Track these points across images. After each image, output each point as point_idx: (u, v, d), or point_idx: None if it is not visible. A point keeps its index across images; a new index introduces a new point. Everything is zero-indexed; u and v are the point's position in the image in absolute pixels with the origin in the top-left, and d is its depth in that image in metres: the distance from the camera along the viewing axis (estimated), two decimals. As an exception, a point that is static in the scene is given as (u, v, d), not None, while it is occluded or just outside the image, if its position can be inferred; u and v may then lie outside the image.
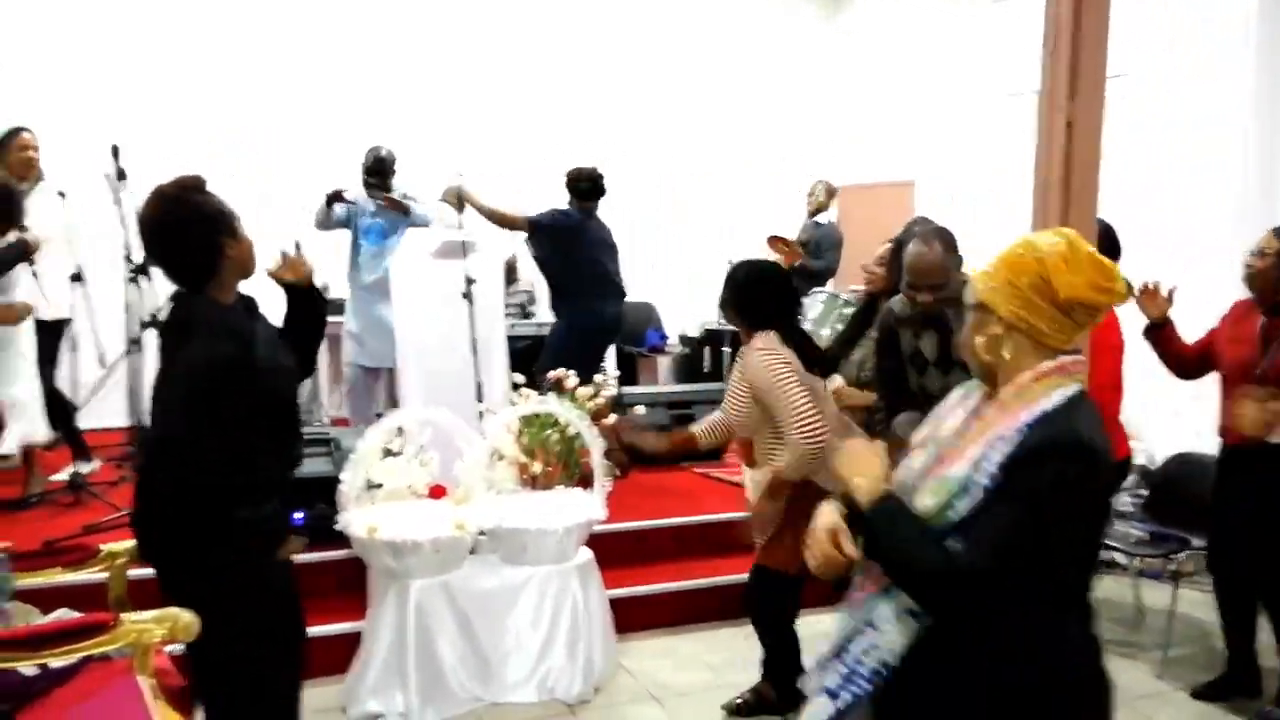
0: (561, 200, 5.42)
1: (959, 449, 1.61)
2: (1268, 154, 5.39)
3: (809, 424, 2.93)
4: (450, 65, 7.35)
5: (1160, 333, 3.61)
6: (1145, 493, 4.66)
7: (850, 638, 1.66)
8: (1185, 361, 3.64)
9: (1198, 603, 4.35)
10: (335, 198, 5.50)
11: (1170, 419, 4.78)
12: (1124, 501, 4.71)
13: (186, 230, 2.27)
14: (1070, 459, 1.52)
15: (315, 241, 5.19)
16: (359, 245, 5.51)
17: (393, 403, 5.56)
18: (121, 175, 4.45)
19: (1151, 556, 4.34)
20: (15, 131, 4.65)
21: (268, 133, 6.53)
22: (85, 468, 4.75)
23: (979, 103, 7.24)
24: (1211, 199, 5.37)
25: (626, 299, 5.73)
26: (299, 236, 2.76)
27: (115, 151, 4.43)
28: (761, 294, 3.19)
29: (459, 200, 5.06)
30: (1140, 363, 3.76)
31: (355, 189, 5.58)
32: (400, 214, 5.43)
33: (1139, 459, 4.84)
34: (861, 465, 1.66)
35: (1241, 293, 3.51)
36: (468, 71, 7.41)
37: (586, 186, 5.36)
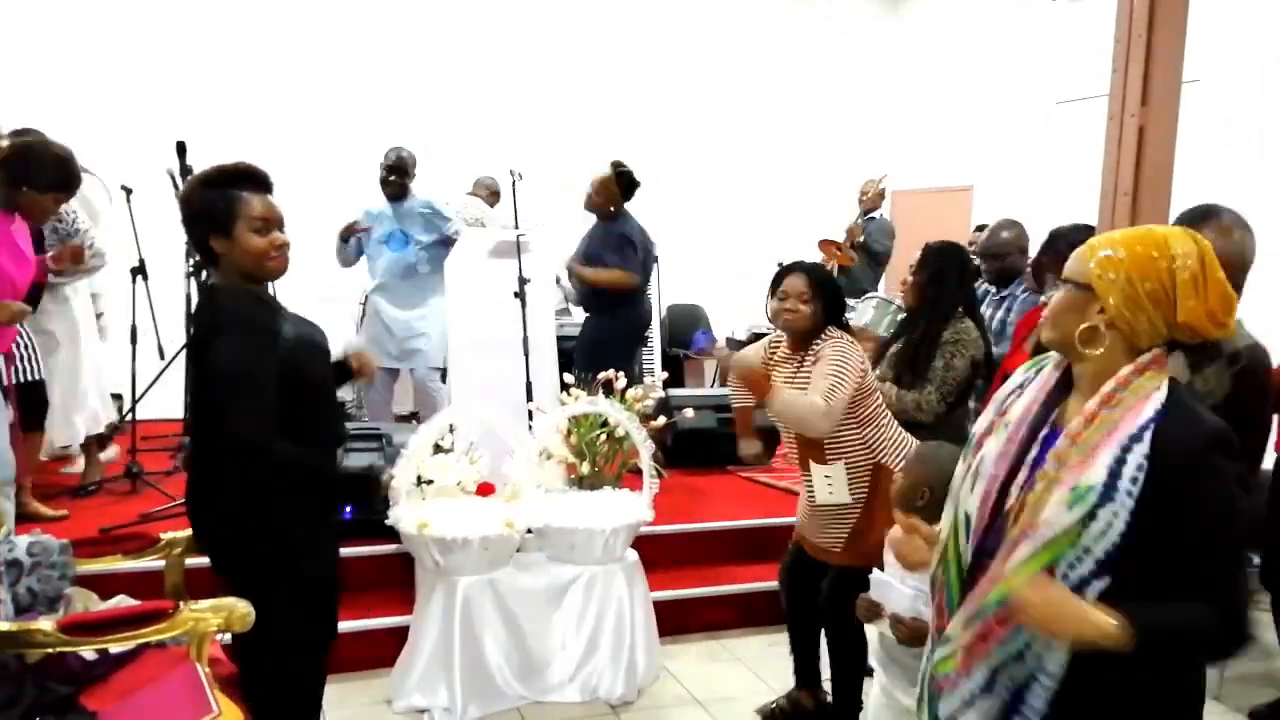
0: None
1: (1080, 453, 1.49)
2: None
3: (838, 402, 2.91)
4: (504, 69, 7.41)
5: None
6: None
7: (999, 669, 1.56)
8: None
9: (1255, 621, 4.23)
10: (347, 233, 5.41)
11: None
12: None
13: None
14: (1230, 450, 1.48)
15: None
16: (375, 249, 5.40)
17: (417, 403, 5.65)
18: (187, 171, 4.52)
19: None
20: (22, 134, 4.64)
21: (332, 132, 6.62)
22: (103, 455, 4.83)
23: (1041, 107, 7.12)
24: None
25: (675, 301, 5.74)
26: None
27: (181, 148, 4.50)
28: (840, 294, 3.19)
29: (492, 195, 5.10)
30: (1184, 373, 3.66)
31: (365, 201, 5.48)
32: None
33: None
34: (1073, 623, 1.44)
35: None
36: (516, 76, 7.47)
37: (631, 183, 5.39)
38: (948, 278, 3.53)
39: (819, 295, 3.06)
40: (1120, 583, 1.46)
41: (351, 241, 5.44)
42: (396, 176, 5.37)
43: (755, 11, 8.32)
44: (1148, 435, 1.46)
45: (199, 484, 2.41)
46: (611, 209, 5.33)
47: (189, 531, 2.58)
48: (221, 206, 2.31)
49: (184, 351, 4.62)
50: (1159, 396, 1.49)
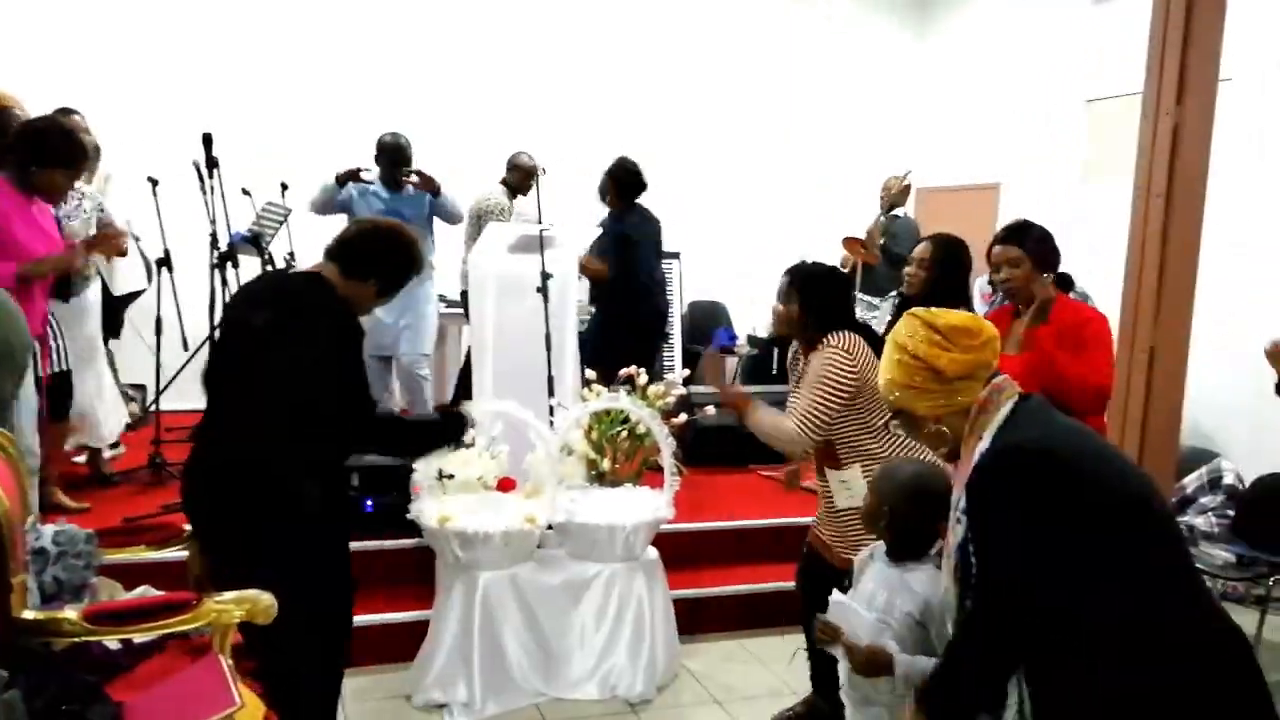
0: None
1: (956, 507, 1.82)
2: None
3: (816, 424, 2.90)
4: (529, 68, 7.40)
5: None
6: (1232, 513, 4.48)
7: None
8: None
9: (1285, 630, 4.18)
10: (350, 177, 5.30)
11: (1259, 434, 4.59)
12: (1210, 522, 4.54)
13: (400, 261, 2.70)
14: (1013, 467, 1.66)
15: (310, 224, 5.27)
16: None
17: (403, 391, 5.68)
18: (213, 163, 4.54)
19: (1238, 580, 4.18)
20: (65, 112, 4.57)
21: (356, 123, 6.63)
22: (109, 452, 4.81)
23: (1070, 105, 7.04)
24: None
25: (696, 298, 5.69)
26: None
27: (207, 140, 4.52)
28: (840, 295, 3.14)
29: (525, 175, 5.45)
30: (1218, 376, 3.60)
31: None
32: (431, 192, 5.33)
33: (1228, 478, 4.65)
34: None
35: None
36: (541, 74, 7.45)
37: (628, 183, 5.36)
38: (952, 270, 3.57)
39: (798, 295, 3.02)
40: None
41: (349, 187, 5.31)
42: (398, 168, 5.29)
43: (782, 8, 8.28)
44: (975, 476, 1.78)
45: (215, 477, 2.44)
46: (611, 205, 5.39)
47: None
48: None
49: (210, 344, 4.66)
50: (992, 427, 1.79)
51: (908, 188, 6.56)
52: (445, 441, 2.94)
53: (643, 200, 5.56)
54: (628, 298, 5.36)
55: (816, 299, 3.02)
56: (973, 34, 8.23)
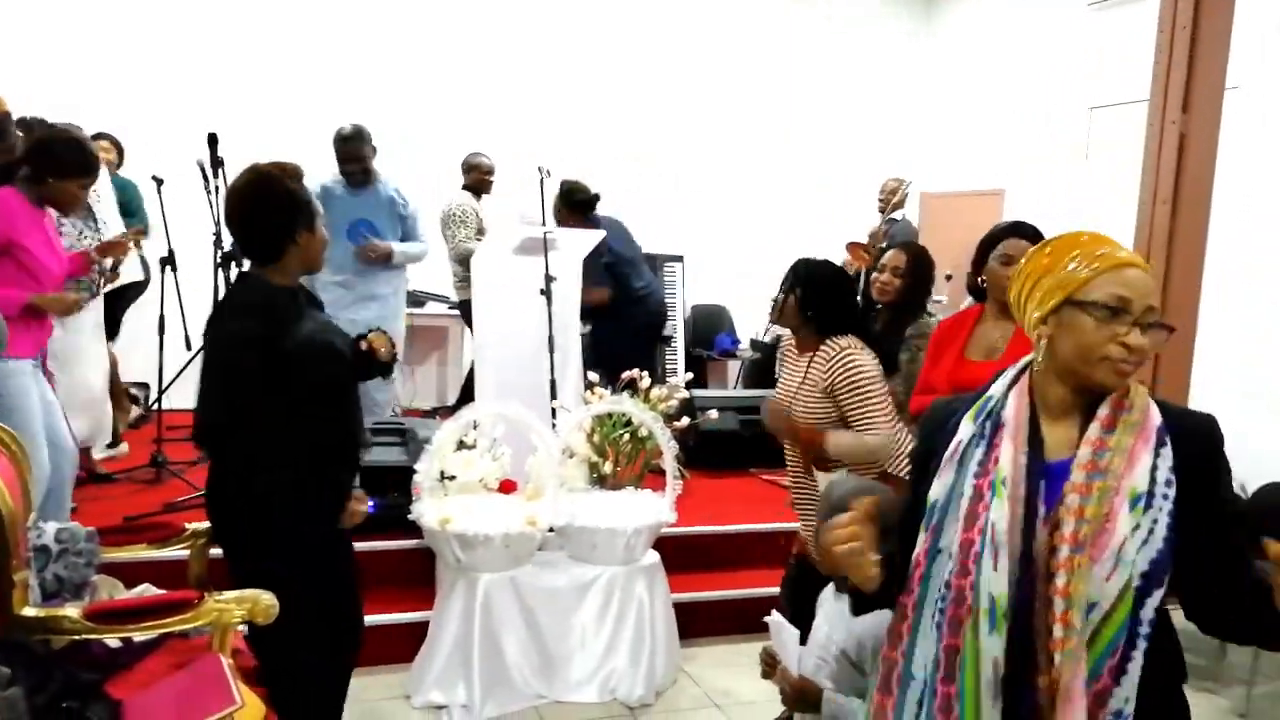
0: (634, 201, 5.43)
1: (1120, 457, 1.43)
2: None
3: (887, 422, 2.87)
4: (523, 67, 7.41)
5: None
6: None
7: None
8: None
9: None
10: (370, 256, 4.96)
11: (1262, 442, 4.58)
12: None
13: (269, 209, 2.38)
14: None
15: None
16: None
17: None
18: (218, 163, 4.54)
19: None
20: (96, 137, 4.64)
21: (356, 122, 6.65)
22: (102, 452, 4.79)
23: (1074, 112, 7.04)
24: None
25: (699, 302, 5.66)
26: None
27: (212, 140, 4.52)
28: (844, 296, 3.09)
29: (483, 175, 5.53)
30: (1222, 383, 3.59)
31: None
32: (383, 260, 4.94)
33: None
34: None
35: None
36: (544, 73, 7.46)
37: (583, 199, 5.35)
38: (924, 280, 3.56)
39: (799, 289, 2.97)
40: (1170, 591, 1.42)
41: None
42: (357, 164, 4.89)
43: (782, 9, 8.29)
44: (1168, 438, 1.44)
45: (223, 476, 2.43)
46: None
47: (211, 523, 2.60)
48: (310, 200, 2.44)
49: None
50: (1145, 394, 1.50)
51: (904, 198, 6.59)
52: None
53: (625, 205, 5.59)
54: (626, 309, 5.35)
55: (817, 298, 2.97)
56: (975, 38, 8.24)
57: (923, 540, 1.54)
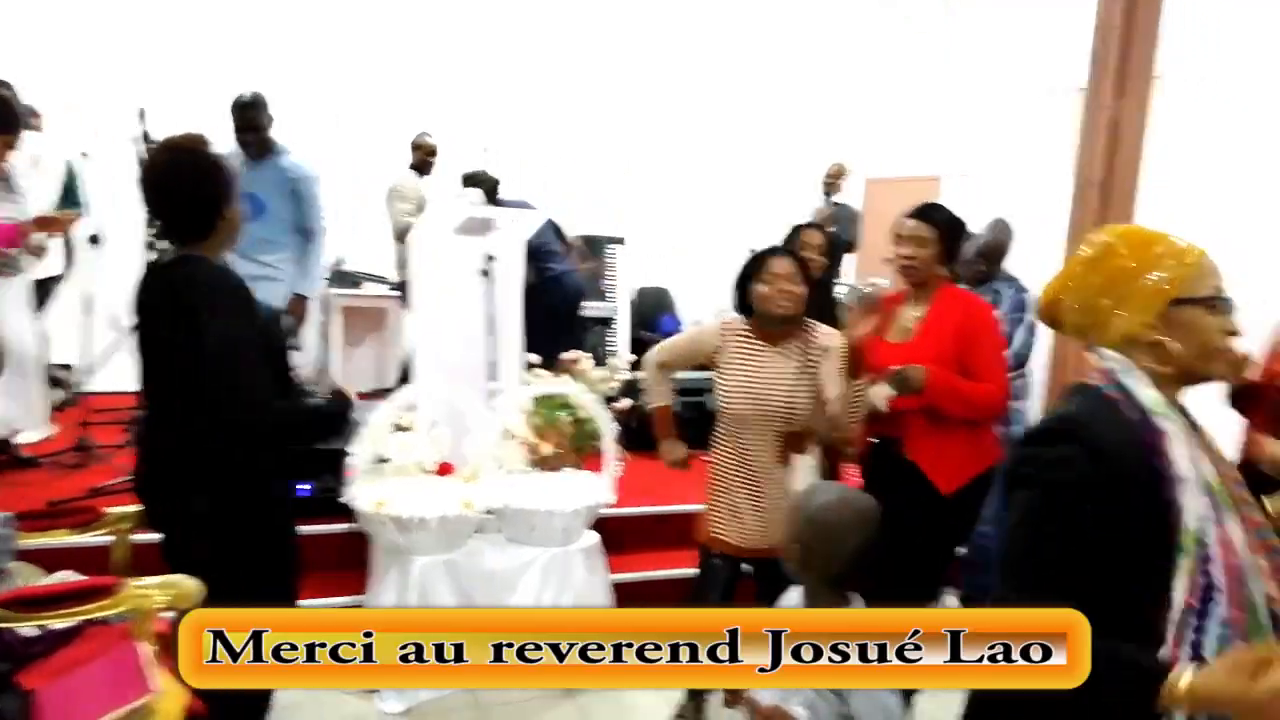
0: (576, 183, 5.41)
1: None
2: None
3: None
4: (466, 47, 7.30)
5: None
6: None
7: None
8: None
9: None
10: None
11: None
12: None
13: (194, 182, 2.27)
14: None
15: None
16: None
17: None
18: (147, 139, 4.39)
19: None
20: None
21: (293, 101, 6.48)
22: (35, 435, 4.56)
23: (1011, 99, 7.14)
24: (1262, 208, 5.25)
25: (642, 284, 5.67)
26: None
27: (141, 114, 4.38)
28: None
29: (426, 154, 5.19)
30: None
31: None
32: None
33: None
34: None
35: None
36: (488, 55, 7.36)
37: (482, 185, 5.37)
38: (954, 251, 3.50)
39: (807, 278, 2.92)
40: None
41: None
42: (255, 133, 4.50)
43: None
44: None
45: (157, 461, 2.35)
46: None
47: (137, 507, 2.52)
48: (233, 176, 2.33)
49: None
50: None
51: (845, 173, 6.69)
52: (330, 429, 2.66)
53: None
54: (538, 294, 5.29)
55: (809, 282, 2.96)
56: (918, 25, 8.30)
57: (1185, 581, 1.31)
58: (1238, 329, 1.40)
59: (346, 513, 3.49)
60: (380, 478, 3.57)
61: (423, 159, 5.89)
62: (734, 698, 1.87)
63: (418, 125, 6.24)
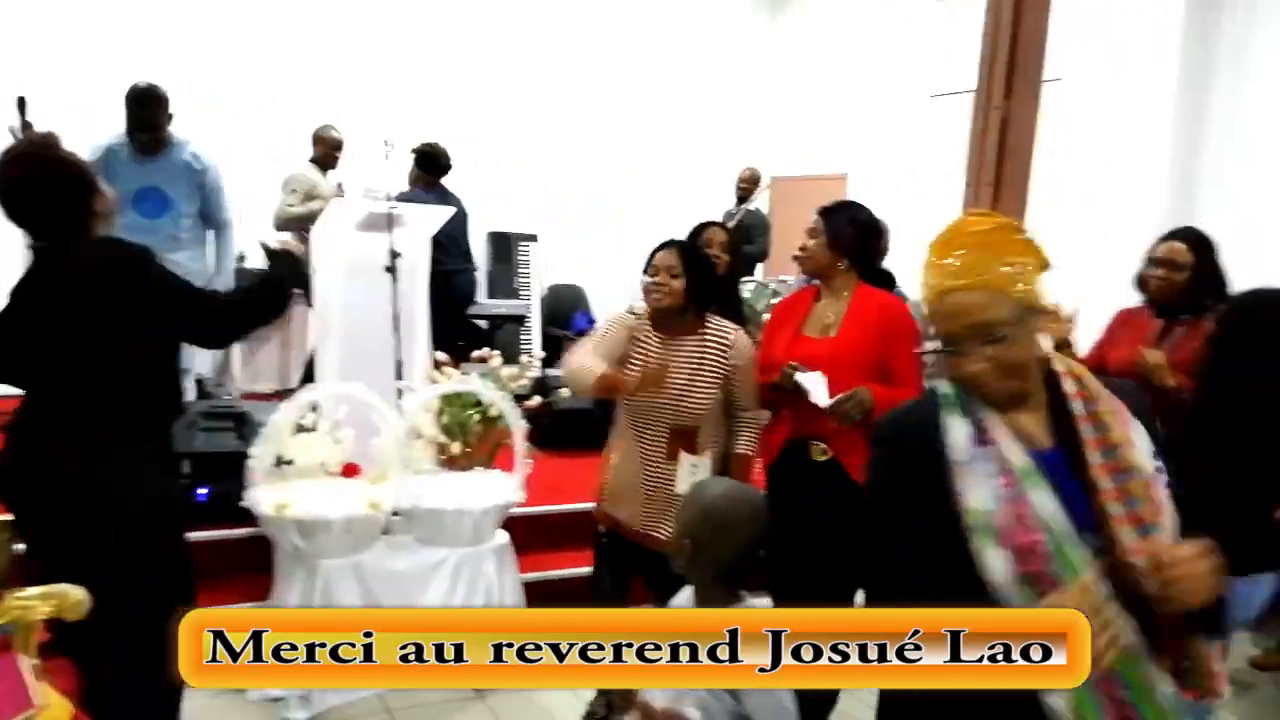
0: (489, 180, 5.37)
1: (1117, 453, 1.39)
2: (1188, 161, 5.56)
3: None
4: (376, 39, 7.19)
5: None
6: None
7: None
8: None
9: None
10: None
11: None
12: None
13: (61, 183, 2.24)
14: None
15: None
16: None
17: None
18: (27, 128, 4.19)
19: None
20: None
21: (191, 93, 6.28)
22: None
23: (912, 100, 7.33)
24: (1135, 205, 5.52)
25: (555, 282, 5.65)
26: None
27: (21, 104, 4.18)
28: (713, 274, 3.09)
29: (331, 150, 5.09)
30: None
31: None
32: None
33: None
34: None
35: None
36: (398, 49, 7.25)
37: (438, 163, 5.29)
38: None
39: (687, 270, 2.91)
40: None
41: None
42: (152, 132, 4.29)
43: (636, 2, 8.31)
44: (1131, 409, 1.47)
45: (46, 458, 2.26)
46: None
47: (10, 516, 2.41)
48: (88, 167, 2.34)
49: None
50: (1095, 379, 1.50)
51: (758, 179, 6.75)
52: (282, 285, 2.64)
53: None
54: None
55: (702, 280, 2.95)
56: (823, 27, 8.47)
57: (1003, 561, 1.40)
58: (969, 373, 1.42)
59: (248, 517, 3.39)
60: (282, 480, 3.47)
61: (326, 153, 5.74)
62: (625, 701, 1.80)
63: (325, 116, 6.10)
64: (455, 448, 3.96)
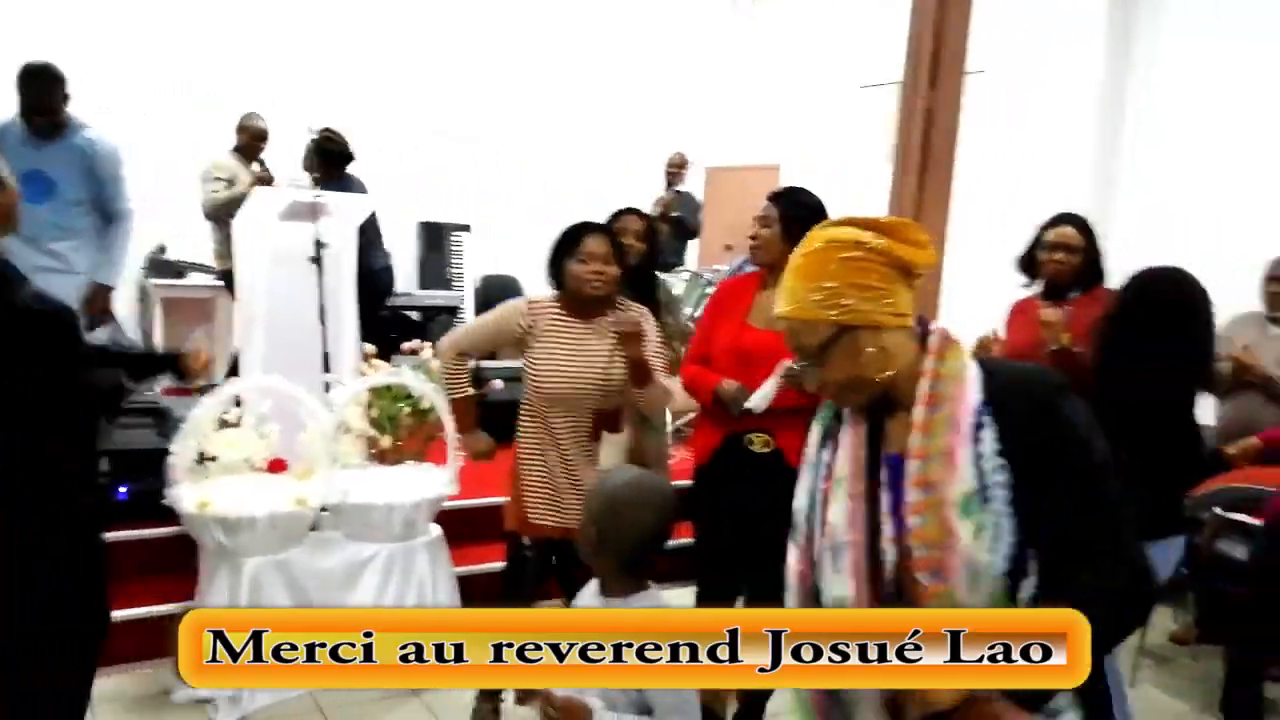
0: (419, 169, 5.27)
1: (941, 464, 1.34)
2: (1108, 150, 5.71)
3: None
4: (304, 25, 7.02)
5: None
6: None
7: None
8: None
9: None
10: None
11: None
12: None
13: None
14: (1069, 392, 1.38)
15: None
16: None
17: None
18: None
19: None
20: None
21: (104, 73, 6.07)
22: None
23: (843, 90, 7.41)
24: (1056, 193, 5.64)
25: (488, 272, 5.57)
26: None
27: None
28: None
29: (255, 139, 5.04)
30: (966, 340, 3.84)
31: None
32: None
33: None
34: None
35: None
36: (328, 34, 7.10)
37: (336, 151, 5.19)
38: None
39: (618, 258, 2.91)
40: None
41: None
42: (48, 115, 4.02)
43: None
44: (987, 416, 1.35)
45: None
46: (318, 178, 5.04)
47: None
48: None
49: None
50: (974, 372, 1.40)
51: (686, 163, 6.79)
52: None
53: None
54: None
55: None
56: (756, 19, 8.50)
57: (794, 556, 1.52)
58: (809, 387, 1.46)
59: (170, 515, 3.30)
60: (205, 477, 3.38)
61: (249, 142, 5.58)
62: (525, 695, 1.73)
63: (251, 104, 5.94)
64: (385, 441, 3.90)
